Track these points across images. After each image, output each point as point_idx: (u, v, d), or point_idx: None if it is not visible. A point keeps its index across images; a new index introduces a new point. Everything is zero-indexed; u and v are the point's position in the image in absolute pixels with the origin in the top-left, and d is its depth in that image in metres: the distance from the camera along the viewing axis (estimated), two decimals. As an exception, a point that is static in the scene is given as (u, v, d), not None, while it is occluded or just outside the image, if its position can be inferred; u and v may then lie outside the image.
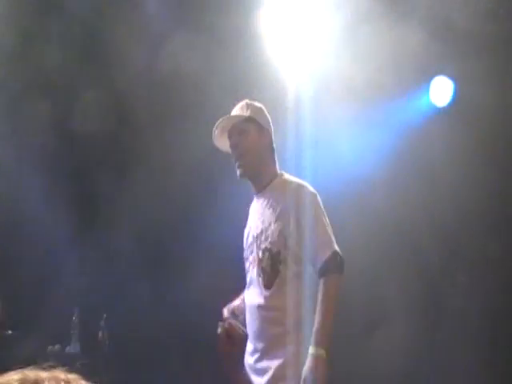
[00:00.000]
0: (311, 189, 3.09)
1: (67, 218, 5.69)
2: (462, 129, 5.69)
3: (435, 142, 5.78)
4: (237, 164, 3.11)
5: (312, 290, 2.94)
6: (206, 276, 5.40)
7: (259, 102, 3.54)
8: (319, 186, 5.25)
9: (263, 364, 2.85)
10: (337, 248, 2.98)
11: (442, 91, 5.91)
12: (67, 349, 5.71)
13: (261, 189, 3.15)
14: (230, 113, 3.42)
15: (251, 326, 2.94)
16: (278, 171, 3.22)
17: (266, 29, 5.55)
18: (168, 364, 5.84)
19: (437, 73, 5.93)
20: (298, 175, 3.45)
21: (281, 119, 5.27)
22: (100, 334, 5.78)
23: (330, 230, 3.00)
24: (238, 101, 3.41)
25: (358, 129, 5.56)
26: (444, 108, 5.95)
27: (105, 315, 5.80)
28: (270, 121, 3.28)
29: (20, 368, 1.30)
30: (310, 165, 5.43)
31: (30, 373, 1.28)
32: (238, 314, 3.04)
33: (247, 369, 2.85)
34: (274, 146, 3.22)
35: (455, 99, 5.93)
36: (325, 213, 3.02)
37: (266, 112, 3.29)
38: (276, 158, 3.22)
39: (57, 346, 5.68)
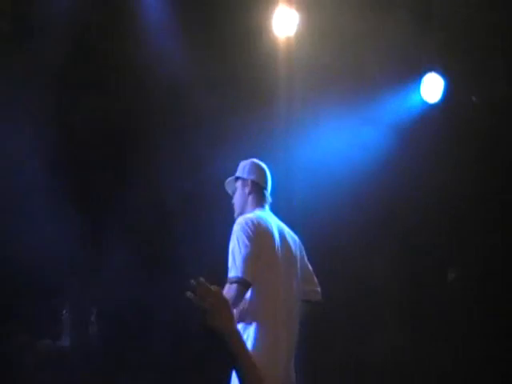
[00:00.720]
0: (242, 220, 3.62)
1: (60, 214, 5.69)
2: (453, 125, 5.71)
3: (426, 138, 5.80)
4: None
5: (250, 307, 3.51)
6: (199, 274, 5.40)
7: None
8: (308, 182, 5.29)
9: None
10: (234, 275, 3.47)
11: (433, 88, 5.92)
12: (57, 343, 5.70)
13: None
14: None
15: None
16: (255, 208, 3.80)
17: (253, 25, 5.56)
18: (159, 359, 5.85)
19: (428, 70, 5.93)
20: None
21: (271, 117, 5.32)
22: (90, 328, 5.79)
23: (241, 254, 3.49)
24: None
25: (349, 126, 5.57)
26: (435, 105, 5.97)
27: (95, 310, 5.80)
28: (258, 167, 3.90)
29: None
30: (300, 161, 5.46)
31: None
32: None
33: None
34: (262, 184, 3.85)
35: (446, 96, 5.94)
36: (242, 239, 3.52)
37: (254, 162, 3.91)
38: (260, 196, 3.84)
39: (47, 341, 5.68)
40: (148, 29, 5.62)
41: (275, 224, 3.72)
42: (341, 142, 5.59)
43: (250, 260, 3.47)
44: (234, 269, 3.46)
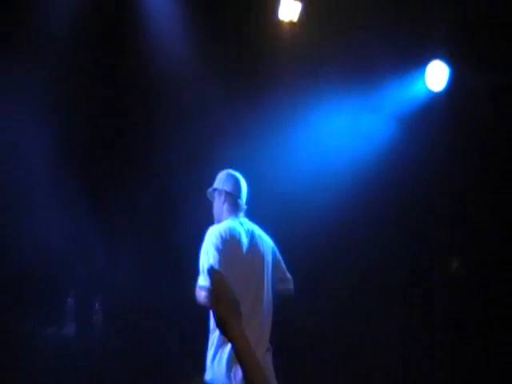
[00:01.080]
0: (212, 229, 4.00)
1: (65, 202, 5.72)
2: (458, 114, 5.67)
3: (431, 127, 5.76)
4: None
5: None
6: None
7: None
8: (310, 172, 5.28)
9: None
10: (199, 283, 3.89)
11: (438, 76, 5.86)
12: (62, 331, 5.73)
13: None
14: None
15: None
16: (229, 216, 4.13)
17: (256, 12, 5.55)
18: (163, 346, 5.88)
19: (432, 57, 5.86)
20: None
21: (273, 105, 5.31)
22: (95, 316, 5.81)
23: (207, 261, 3.87)
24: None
25: (351, 115, 5.55)
26: (440, 93, 5.91)
27: (100, 297, 5.82)
28: (231, 177, 4.21)
29: None
30: (302, 150, 5.45)
31: None
32: None
33: None
34: (233, 192, 4.15)
35: (452, 84, 5.88)
36: (211, 243, 3.90)
37: (228, 173, 4.24)
38: (234, 205, 4.16)
39: (52, 329, 5.71)
40: (149, 15, 5.61)
41: (246, 231, 4.06)
42: (343, 131, 5.57)
43: (217, 267, 3.76)
44: (203, 277, 3.85)
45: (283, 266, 4.13)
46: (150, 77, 5.74)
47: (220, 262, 3.83)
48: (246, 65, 5.62)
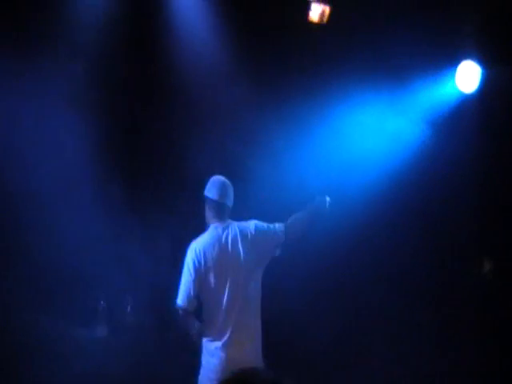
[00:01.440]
0: (190, 247, 4.35)
1: (95, 204, 5.80)
2: (490, 117, 5.58)
3: (461, 129, 5.68)
4: None
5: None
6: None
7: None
8: (336, 173, 5.23)
9: None
10: (176, 302, 4.31)
11: (469, 77, 5.74)
12: (94, 333, 5.81)
13: None
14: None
15: None
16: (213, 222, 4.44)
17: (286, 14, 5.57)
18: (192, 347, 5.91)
19: (463, 57, 5.74)
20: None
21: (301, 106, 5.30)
22: (127, 318, 5.88)
23: (183, 282, 4.28)
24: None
25: (380, 117, 5.51)
26: (471, 95, 5.79)
27: (131, 299, 5.89)
28: (214, 183, 4.43)
29: None
30: (331, 153, 5.43)
31: None
32: None
33: None
34: (216, 199, 4.40)
35: (483, 85, 5.75)
36: (187, 263, 4.28)
37: (213, 179, 4.47)
38: (217, 210, 4.42)
39: (84, 330, 5.80)
40: (180, 18, 5.67)
41: (225, 237, 4.34)
42: (371, 133, 5.53)
43: (190, 287, 4.24)
44: (178, 296, 4.29)
45: (269, 235, 4.30)
46: (180, 79, 5.79)
47: (193, 279, 4.22)
48: (276, 67, 5.63)
